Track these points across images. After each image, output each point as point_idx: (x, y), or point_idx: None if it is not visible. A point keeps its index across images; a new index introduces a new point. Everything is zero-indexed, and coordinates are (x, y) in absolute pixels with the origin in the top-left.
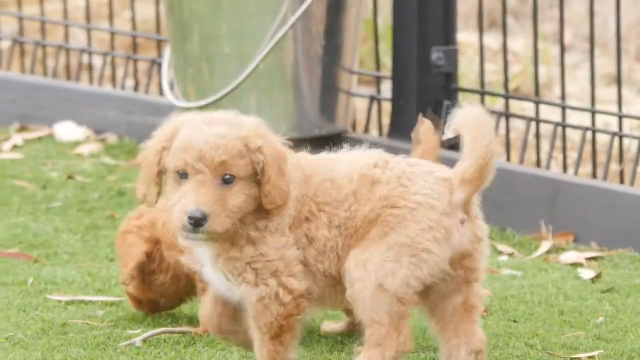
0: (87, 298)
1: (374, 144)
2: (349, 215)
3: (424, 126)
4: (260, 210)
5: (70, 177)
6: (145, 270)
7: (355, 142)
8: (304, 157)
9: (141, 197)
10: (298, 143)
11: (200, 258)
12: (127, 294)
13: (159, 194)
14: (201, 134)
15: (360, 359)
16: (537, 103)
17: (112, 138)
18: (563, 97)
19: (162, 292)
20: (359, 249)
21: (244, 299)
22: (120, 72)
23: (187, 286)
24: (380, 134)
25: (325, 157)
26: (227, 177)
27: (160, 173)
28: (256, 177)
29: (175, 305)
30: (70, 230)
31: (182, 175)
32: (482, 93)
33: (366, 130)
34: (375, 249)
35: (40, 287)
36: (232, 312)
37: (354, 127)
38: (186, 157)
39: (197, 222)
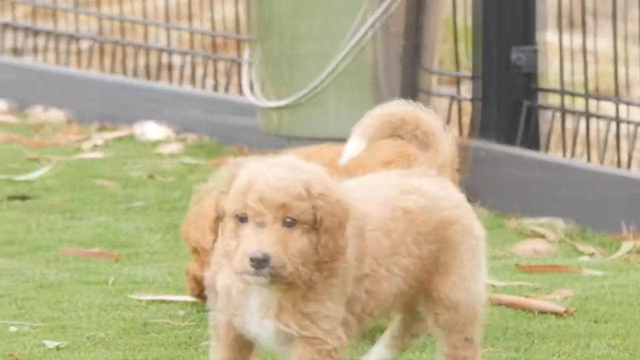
0: (168, 297)
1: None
2: (409, 259)
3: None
4: (322, 268)
5: (150, 176)
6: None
7: None
8: None
9: (196, 243)
10: None
11: (249, 306)
12: (189, 281)
13: (214, 240)
14: (262, 176)
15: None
16: (617, 103)
17: (192, 137)
18: None
19: None
20: (445, 276)
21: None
22: (200, 72)
23: None
24: (460, 133)
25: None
26: (289, 220)
27: (219, 219)
28: (315, 225)
29: None
30: (151, 230)
31: (242, 219)
32: (562, 93)
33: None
34: (462, 270)
35: (122, 286)
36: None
37: None
38: (246, 199)
39: (259, 264)
